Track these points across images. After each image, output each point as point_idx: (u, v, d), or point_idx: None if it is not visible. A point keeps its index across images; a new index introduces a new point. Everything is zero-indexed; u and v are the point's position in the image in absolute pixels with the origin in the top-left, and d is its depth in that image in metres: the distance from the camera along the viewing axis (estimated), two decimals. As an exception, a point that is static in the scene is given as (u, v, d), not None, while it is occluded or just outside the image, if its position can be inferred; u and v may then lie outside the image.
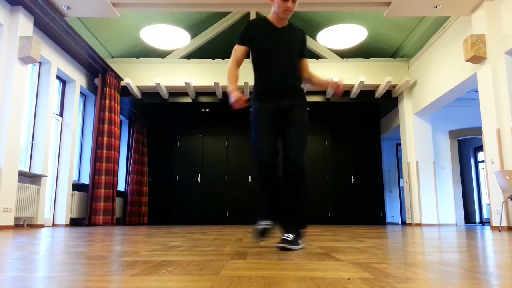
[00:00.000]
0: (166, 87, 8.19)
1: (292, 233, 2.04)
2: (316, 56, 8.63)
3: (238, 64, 2.29)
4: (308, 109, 2.26)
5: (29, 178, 5.78)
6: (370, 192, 9.54)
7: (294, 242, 1.99)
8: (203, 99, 8.43)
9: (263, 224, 2.17)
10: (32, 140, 5.99)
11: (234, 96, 2.12)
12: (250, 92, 8.26)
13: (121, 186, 9.12)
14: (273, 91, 2.22)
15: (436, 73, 7.10)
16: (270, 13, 2.29)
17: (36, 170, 5.89)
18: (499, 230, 4.94)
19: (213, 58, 8.80)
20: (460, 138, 8.90)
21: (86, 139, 7.73)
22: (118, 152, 7.80)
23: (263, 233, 2.16)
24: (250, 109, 2.30)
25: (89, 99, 7.85)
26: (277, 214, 2.19)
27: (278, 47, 2.22)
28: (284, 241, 1.97)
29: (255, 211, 2.12)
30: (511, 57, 5.22)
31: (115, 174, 7.44)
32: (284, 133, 2.19)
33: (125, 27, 7.52)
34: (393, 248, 2.09)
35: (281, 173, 2.19)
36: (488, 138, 5.42)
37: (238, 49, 2.28)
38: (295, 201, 2.14)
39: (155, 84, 7.94)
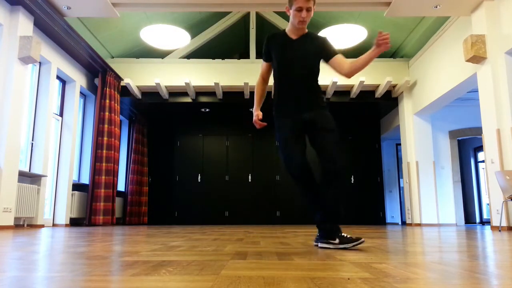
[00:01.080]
0: (166, 87, 8.19)
1: (338, 238, 2.08)
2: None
3: (264, 79, 2.38)
4: (332, 122, 2.25)
5: (29, 178, 5.78)
6: (370, 192, 9.54)
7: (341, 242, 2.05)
8: (203, 99, 8.43)
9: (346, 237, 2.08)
10: (32, 140, 5.99)
11: (254, 116, 2.29)
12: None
13: (121, 186, 9.12)
14: (290, 105, 2.24)
15: (436, 73, 7.10)
16: (288, 25, 2.31)
17: (36, 170, 5.89)
18: (499, 230, 4.94)
19: (213, 58, 8.81)
20: (460, 138, 8.90)
21: (86, 139, 7.73)
22: (118, 152, 7.80)
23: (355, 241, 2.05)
24: (274, 120, 2.33)
25: (89, 99, 7.85)
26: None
27: (292, 60, 2.23)
28: (353, 239, 2.02)
29: (319, 223, 2.08)
30: (511, 57, 5.22)
31: (115, 174, 7.44)
32: (314, 144, 2.20)
33: (125, 27, 7.52)
34: (393, 248, 2.09)
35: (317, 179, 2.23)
36: (488, 138, 5.42)
37: (263, 65, 2.38)
38: (336, 202, 2.13)
39: (155, 84, 7.94)
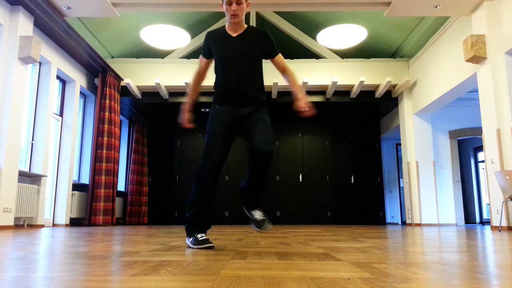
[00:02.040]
0: (166, 87, 8.19)
1: (261, 211, 2.19)
2: (316, 56, 8.63)
3: (200, 75, 2.34)
4: (268, 118, 2.21)
5: (29, 178, 5.78)
6: (370, 192, 9.54)
7: (267, 220, 2.15)
8: (203, 99, 8.43)
9: (204, 237, 2.08)
10: (32, 140, 5.99)
11: (182, 116, 2.26)
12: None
13: (121, 186, 9.12)
14: (230, 100, 2.19)
15: (436, 73, 7.10)
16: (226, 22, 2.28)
17: (36, 170, 5.89)
18: (499, 230, 4.94)
19: (213, 58, 8.79)
20: (460, 138, 8.90)
21: (86, 139, 7.73)
22: (118, 152, 7.80)
23: (206, 244, 2.05)
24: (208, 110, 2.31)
25: (89, 99, 7.85)
26: (208, 225, 2.16)
27: (232, 57, 2.18)
28: (262, 221, 2.13)
29: (189, 220, 2.06)
30: (511, 57, 5.22)
31: (115, 174, 7.44)
32: (246, 133, 2.15)
33: (125, 27, 7.52)
34: (393, 248, 2.09)
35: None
36: (488, 138, 5.42)
37: (201, 61, 2.32)
38: (261, 185, 2.17)
39: (155, 84, 7.94)
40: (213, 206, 2.19)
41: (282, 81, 8.07)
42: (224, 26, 2.29)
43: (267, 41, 2.24)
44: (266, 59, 2.29)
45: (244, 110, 2.17)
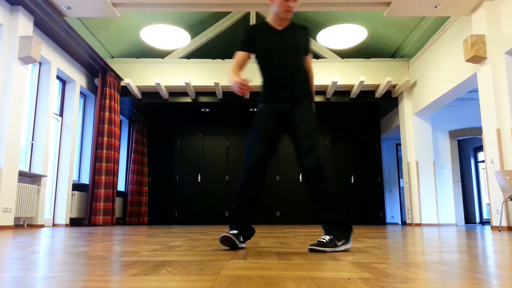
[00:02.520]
0: (166, 87, 8.19)
1: (329, 235, 1.95)
2: (316, 56, 8.63)
3: (240, 66, 2.21)
4: (311, 115, 2.15)
5: (29, 178, 5.78)
6: (370, 192, 9.54)
7: (328, 243, 1.89)
8: (203, 99, 8.43)
9: (231, 233, 2.04)
10: (32, 140, 5.99)
11: (233, 80, 2.05)
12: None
13: (121, 186, 9.12)
14: (274, 94, 2.16)
15: (436, 73, 7.10)
16: (270, 15, 2.23)
17: (36, 170, 5.89)
18: (499, 230, 4.94)
19: (213, 58, 8.80)
20: (460, 138, 8.90)
21: (86, 139, 7.73)
22: (118, 152, 7.80)
23: (232, 242, 2.01)
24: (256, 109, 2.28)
25: (89, 99, 7.85)
26: (245, 221, 2.10)
27: (279, 50, 2.15)
28: (318, 243, 1.90)
29: (229, 214, 2.06)
30: (511, 57, 5.22)
31: (115, 174, 7.44)
32: (291, 136, 2.15)
33: (125, 27, 7.52)
34: (393, 248, 2.09)
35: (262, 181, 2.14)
36: (488, 138, 5.42)
37: (238, 55, 2.21)
38: (326, 202, 2.02)
39: (155, 84, 7.94)
40: (255, 203, 2.11)
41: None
42: (265, 21, 2.24)
43: (306, 37, 2.24)
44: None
45: (286, 105, 2.14)
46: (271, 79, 2.17)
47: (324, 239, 1.92)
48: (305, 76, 2.21)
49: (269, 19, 2.24)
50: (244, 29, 2.27)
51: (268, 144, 2.12)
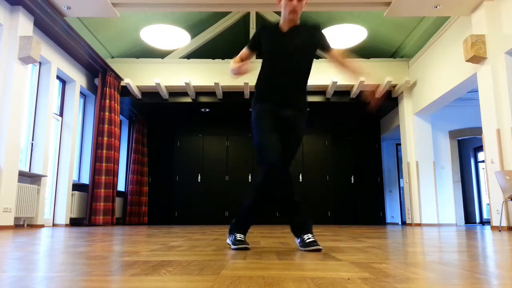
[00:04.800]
0: (166, 87, 8.19)
1: (311, 233, 2.04)
2: (316, 56, 8.61)
3: (241, 60, 2.22)
4: (308, 110, 2.19)
5: (29, 178, 5.78)
6: (370, 192, 9.54)
7: (316, 241, 1.98)
8: (203, 99, 8.43)
9: (241, 237, 2.05)
10: (32, 140, 5.99)
11: (234, 65, 2.09)
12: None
13: (121, 186, 9.12)
14: (273, 97, 2.13)
15: (436, 73, 7.10)
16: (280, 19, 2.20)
17: (36, 170, 5.89)
18: (499, 230, 4.94)
19: (213, 58, 8.80)
20: (460, 138, 8.89)
21: (86, 139, 7.73)
22: (118, 152, 7.80)
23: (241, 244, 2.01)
24: (250, 109, 2.25)
25: (89, 99, 7.85)
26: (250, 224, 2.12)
27: (283, 53, 2.11)
28: (312, 242, 1.94)
29: (241, 215, 2.07)
30: (511, 57, 5.22)
31: (115, 174, 7.44)
32: (282, 142, 2.11)
33: (125, 27, 7.52)
34: (393, 248, 2.09)
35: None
36: (488, 138, 5.42)
37: (243, 51, 2.24)
38: (293, 201, 2.12)
39: (155, 84, 7.94)
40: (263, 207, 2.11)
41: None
42: (277, 23, 2.21)
43: (318, 34, 2.18)
44: (323, 51, 2.24)
45: (285, 111, 2.12)
46: (273, 81, 2.13)
47: (310, 238, 1.99)
48: (307, 79, 2.19)
49: (280, 22, 2.19)
50: (258, 27, 2.25)
51: (278, 139, 2.07)
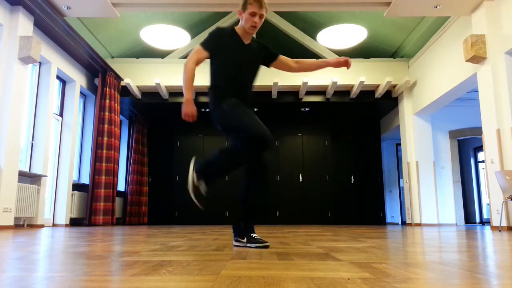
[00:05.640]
0: (166, 87, 8.19)
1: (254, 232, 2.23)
2: (316, 56, 8.63)
3: (197, 65, 2.29)
4: None
5: (29, 178, 5.78)
6: (370, 192, 9.54)
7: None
8: (203, 99, 8.43)
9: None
10: (32, 140, 5.99)
11: (190, 108, 2.19)
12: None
13: (121, 186, 9.12)
14: (240, 99, 2.24)
15: (436, 73, 7.10)
16: (238, 26, 2.31)
17: (36, 170, 5.89)
18: (499, 230, 4.94)
19: (213, 58, 8.79)
20: (460, 138, 8.90)
21: (86, 139, 7.73)
22: (118, 152, 7.80)
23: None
24: (211, 108, 2.25)
25: (89, 99, 7.85)
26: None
27: (244, 63, 2.27)
28: (261, 241, 2.13)
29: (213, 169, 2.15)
30: (511, 57, 5.22)
31: (115, 174, 7.44)
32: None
33: (125, 27, 7.52)
34: (393, 248, 2.09)
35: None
36: (488, 138, 5.42)
37: (201, 53, 2.26)
38: (264, 193, 2.25)
39: (155, 84, 7.94)
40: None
41: (282, 81, 8.07)
42: (233, 27, 2.30)
43: (267, 50, 2.39)
44: (267, 66, 2.43)
45: None
46: (235, 87, 2.25)
47: (257, 236, 2.19)
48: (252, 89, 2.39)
49: (238, 30, 2.30)
50: (215, 28, 2.30)
51: None
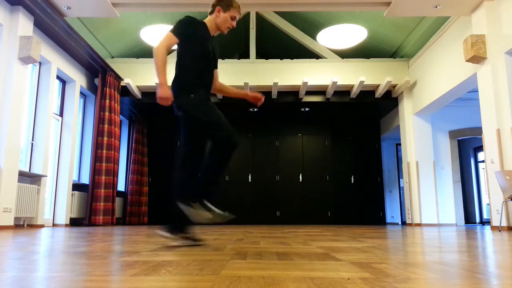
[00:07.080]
0: (166, 87, 8.18)
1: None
2: (316, 56, 8.63)
3: (168, 50, 2.31)
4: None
5: (29, 178, 5.78)
6: (370, 192, 9.54)
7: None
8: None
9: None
10: (32, 140, 5.99)
11: (165, 92, 2.24)
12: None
13: (121, 186, 9.12)
14: (205, 92, 2.34)
15: (436, 73, 7.10)
16: (209, 21, 2.40)
17: (36, 170, 5.89)
18: (499, 230, 4.94)
19: (213, 58, 8.79)
20: (460, 138, 8.90)
21: (86, 139, 7.73)
22: (118, 152, 7.80)
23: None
24: (190, 91, 2.29)
25: (89, 99, 7.85)
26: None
27: (213, 57, 2.38)
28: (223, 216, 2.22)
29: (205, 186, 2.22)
30: (511, 57, 5.22)
31: (115, 174, 7.44)
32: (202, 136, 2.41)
33: (125, 27, 7.52)
34: (393, 248, 2.09)
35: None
36: (488, 138, 5.42)
37: (172, 39, 2.27)
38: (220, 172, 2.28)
39: (155, 84, 7.93)
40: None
41: (282, 81, 8.07)
42: (204, 22, 2.39)
43: (216, 54, 2.49)
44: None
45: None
46: (202, 78, 2.32)
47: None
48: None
49: (208, 23, 2.39)
50: (186, 17, 2.31)
51: None
